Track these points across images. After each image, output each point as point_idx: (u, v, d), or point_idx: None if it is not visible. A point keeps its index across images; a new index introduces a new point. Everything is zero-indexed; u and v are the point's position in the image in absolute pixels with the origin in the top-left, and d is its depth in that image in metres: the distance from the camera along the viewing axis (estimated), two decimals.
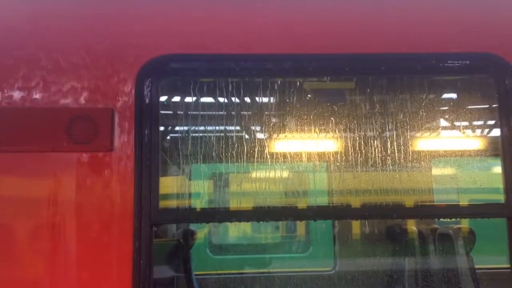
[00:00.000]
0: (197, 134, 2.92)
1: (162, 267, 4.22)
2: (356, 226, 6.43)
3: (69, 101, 2.38)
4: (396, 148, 2.97)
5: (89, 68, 2.43)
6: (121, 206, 2.31)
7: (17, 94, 2.39)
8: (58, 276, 2.30)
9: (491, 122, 4.29)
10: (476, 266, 5.03)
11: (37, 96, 2.39)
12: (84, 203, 2.32)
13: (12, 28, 2.50)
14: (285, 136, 3.20)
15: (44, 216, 2.30)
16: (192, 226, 5.43)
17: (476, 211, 2.67)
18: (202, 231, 7.18)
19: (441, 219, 5.15)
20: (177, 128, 3.37)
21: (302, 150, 3.16)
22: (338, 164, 3.30)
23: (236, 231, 8.23)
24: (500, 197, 2.48)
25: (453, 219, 5.35)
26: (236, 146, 2.87)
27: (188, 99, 2.87)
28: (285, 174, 3.25)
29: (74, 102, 2.38)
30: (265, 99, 3.03)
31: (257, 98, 2.98)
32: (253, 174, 3.09)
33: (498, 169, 2.54)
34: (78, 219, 2.32)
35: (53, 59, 2.43)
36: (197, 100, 2.84)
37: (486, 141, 4.29)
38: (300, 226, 8.13)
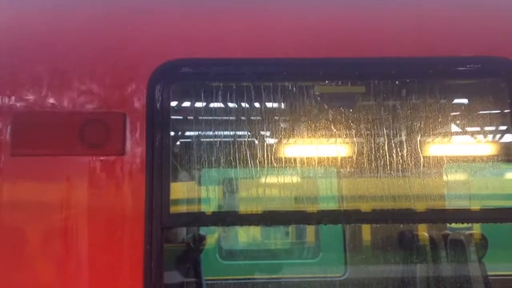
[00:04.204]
0: (208, 139, 2.93)
1: (172, 272, 4.23)
2: (366, 232, 6.39)
3: (82, 105, 2.41)
4: (406, 153, 2.96)
5: (102, 72, 2.45)
6: (132, 209, 2.33)
7: (31, 99, 2.42)
8: (70, 279, 2.32)
9: (503, 127, 4.25)
10: (489, 273, 4.98)
11: (50, 100, 2.42)
12: (95, 206, 2.34)
13: (28, 35, 2.55)
14: (298, 141, 3.20)
15: (57, 219, 2.33)
16: (202, 232, 5.44)
17: (488, 216, 2.65)
18: (212, 237, 7.18)
19: (453, 226, 5.11)
20: (188, 132, 3.39)
21: (313, 155, 3.16)
22: (350, 169, 3.29)
23: (245, 236, 8.22)
24: None
25: (465, 226, 5.30)
26: (247, 150, 2.87)
27: (200, 104, 2.89)
28: (296, 178, 3.25)
29: (87, 106, 2.41)
30: (276, 104, 3.03)
31: (268, 103, 2.99)
32: (264, 179, 3.09)
33: (510, 175, 2.52)
34: (89, 222, 2.34)
35: (65, 64, 2.46)
36: (208, 105, 2.86)
37: (497, 146, 4.25)
38: (310, 231, 8.10)
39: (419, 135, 3.08)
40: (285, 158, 3.00)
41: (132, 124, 2.38)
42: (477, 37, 2.58)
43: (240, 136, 3.04)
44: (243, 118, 3.02)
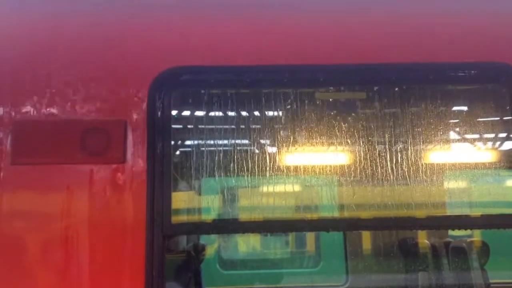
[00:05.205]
0: (210, 147, 2.92)
1: (173, 282, 4.20)
2: (367, 240, 6.37)
3: (83, 113, 2.41)
4: (406, 160, 2.96)
5: (102, 80, 2.45)
6: (133, 218, 2.31)
7: (31, 107, 2.42)
8: (71, 287, 2.30)
9: (504, 133, 4.25)
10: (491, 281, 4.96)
11: (51, 108, 2.41)
12: (96, 214, 2.33)
13: (29, 41, 2.55)
14: (299, 149, 3.20)
15: (57, 228, 2.31)
16: (202, 241, 5.41)
17: (490, 222, 2.64)
18: (212, 247, 7.15)
19: (455, 234, 5.10)
20: (189, 140, 3.38)
21: (314, 163, 3.15)
22: (350, 176, 3.28)
23: (246, 246, 8.18)
24: None
25: (467, 233, 5.29)
26: (249, 158, 2.86)
27: (201, 111, 2.89)
28: (297, 187, 3.25)
29: (87, 114, 2.41)
30: (278, 112, 3.03)
31: (269, 111, 2.99)
32: (266, 187, 3.08)
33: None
34: (90, 230, 2.33)
35: (66, 72, 2.46)
36: (209, 112, 2.85)
37: (499, 152, 4.25)
38: (310, 240, 8.07)
39: (419, 142, 3.07)
40: (287, 166, 2.99)
41: (133, 132, 2.38)
42: (477, 43, 2.59)
43: (241, 144, 3.03)
44: (243, 126, 3.01)
